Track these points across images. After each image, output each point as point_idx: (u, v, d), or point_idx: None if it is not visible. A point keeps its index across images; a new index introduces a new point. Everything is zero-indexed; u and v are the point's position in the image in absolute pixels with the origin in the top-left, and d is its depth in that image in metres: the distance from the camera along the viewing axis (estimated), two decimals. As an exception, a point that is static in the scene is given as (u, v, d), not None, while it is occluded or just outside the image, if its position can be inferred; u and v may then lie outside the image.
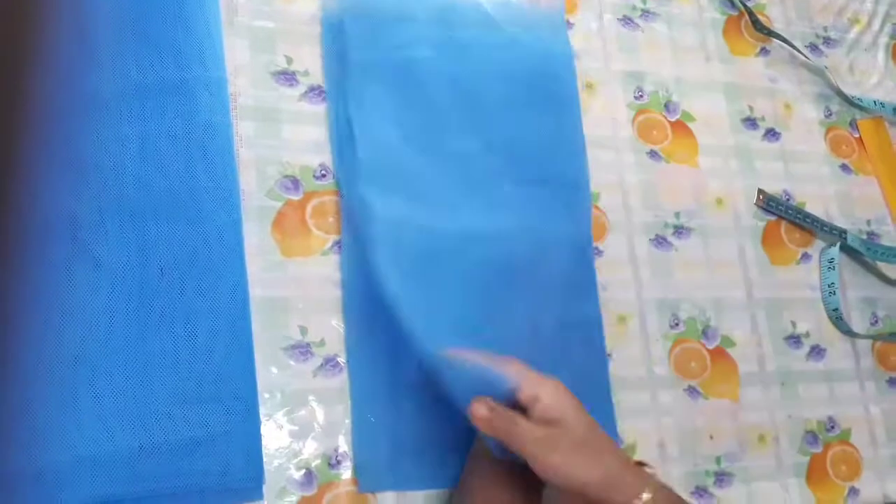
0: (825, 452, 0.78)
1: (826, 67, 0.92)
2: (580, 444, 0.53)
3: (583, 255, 0.75)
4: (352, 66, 0.71)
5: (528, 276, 0.71)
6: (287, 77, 0.71)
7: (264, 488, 0.60)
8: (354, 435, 0.64)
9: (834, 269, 0.84)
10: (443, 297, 0.66)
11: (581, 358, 0.72)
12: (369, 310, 0.66)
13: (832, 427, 0.79)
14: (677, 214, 0.81)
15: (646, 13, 0.88)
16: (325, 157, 0.70)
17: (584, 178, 0.77)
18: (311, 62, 0.72)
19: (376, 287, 0.62)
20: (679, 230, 0.80)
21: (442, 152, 0.72)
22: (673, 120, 0.84)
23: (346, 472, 0.63)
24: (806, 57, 0.92)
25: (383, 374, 0.66)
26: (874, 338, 0.84)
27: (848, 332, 0.83)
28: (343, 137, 0.70)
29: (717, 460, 0.74)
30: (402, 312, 0.61)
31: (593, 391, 0.72)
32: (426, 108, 0.73)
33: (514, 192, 0.73)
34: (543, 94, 0.78)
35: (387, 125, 0.71)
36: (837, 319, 0.83)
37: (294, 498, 0.61)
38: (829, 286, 0.84)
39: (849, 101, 0.93)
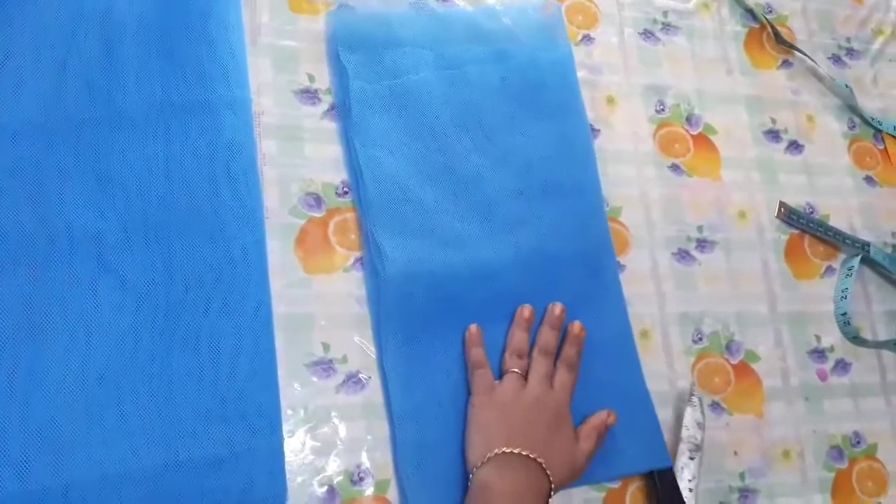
0: (851, 468, 0.78)
1: (847, 86, 0.91)
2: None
3: (601, 268, 0.75)
4: (351, 98, 0.71)
5: (545, 302, 0.71)
6: (309, 95, 0.72)
7: (288, 505, 0.61)
8: (398, 455, 0.64)
9: (851, 277, 0.83)
10: (458, 341, 0.68)
11: (614, 374, 0.72)
12: (402, 325, 0.67)
13: (858, 442, 0.79)
14: (700, 228, 0.80)
15: (666, 27, 0.87)
16: (346, 174, 0.71)
17: (594, 184, 0.77)
18: (330, 73, 0.73)
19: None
20: (702, 244, 0.80)
21: (450, 177, 0.72)
22: (695, 133, 0.84)
23: (369, 489, 0.63)
24: (831, 78, 0.91)
25: (424, 389, 0.66)
26: (881, 346, 0.83)
27: (855, 338, 0.82)
28: (355, 171, 0.70)
29: (741, 476, 0.73)
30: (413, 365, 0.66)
31: (633, 406, 0.71)
32: (429, 133, 0.73)
33: (526, 210, 0.73)
34: (545, 103, 0.78)
35: (392, 157, 0.71)
36: (845, 325, 0.82)
37: (317, 514, 0.62)
38: (842, 291, 0.83)
39: (868, 123, 0.92)
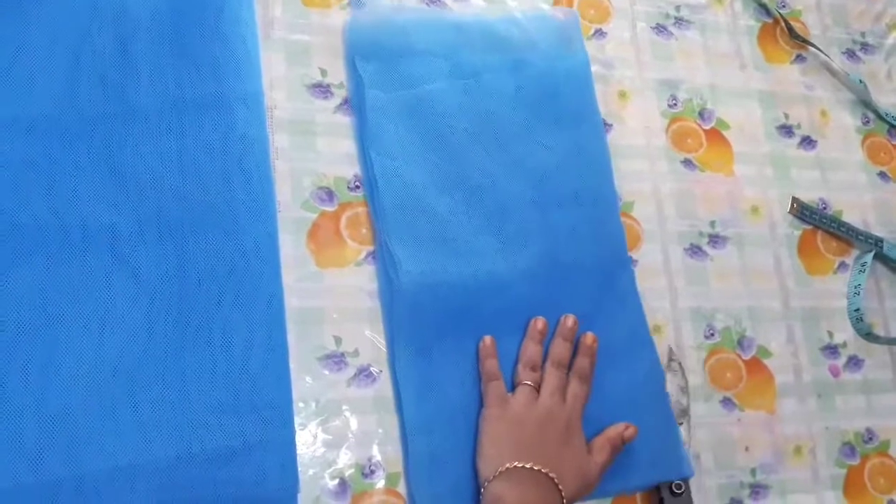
0: (863, 464, 0.77)
1: (861, 81, 0.90)
2: None
3: (617, 278, 0.74)
4: (367, 107, 0.71)
5: (559, 313, 0.71)
6: (322, 90, 0.72)
7: (299, 497, 0.61)
8: (410, 467, 0.64)
9: (864, 273, 0.83)
10: (471, 353, 0.68)
11: (631, 385, 0.71)
12: (416, 336, 0.66)
13: (870, 439, 0.78)
14: (712, 223, 0.80)
15: (679, 21, 0.87)
16: (358, 168, 0.71)
17: (610, 194, 0.76)
18: (345, 75, 0.73)
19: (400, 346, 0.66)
20: (714, 239, 0.80)
21: (464, 187, 0.72)
22: (707, 128, 0.84)
23: (380, 482, 0.64)
24: (845, 73, 0.91)
25: (436, 402, 0.66)
26: (894, 342, 0.82)
27: (868, 334, 0.81)
28: (370, 179, 0.70)
29: (753, 472, 0.73)
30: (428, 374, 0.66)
31: (652, 416, 0.71)
32: (444, 143, 0.72)
33: (540, 220, 0.73)
34: (560, 112, 0.77)
35: (407, 167, 0.70)
36: (858, 321, 0.82)
37: (328, 507, 0.62)
38: (855, 287, 0.83)
39: (882, 118, 0.92)
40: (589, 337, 0.70)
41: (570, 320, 0.70)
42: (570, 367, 0.69)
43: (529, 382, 0.67)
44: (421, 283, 0.67)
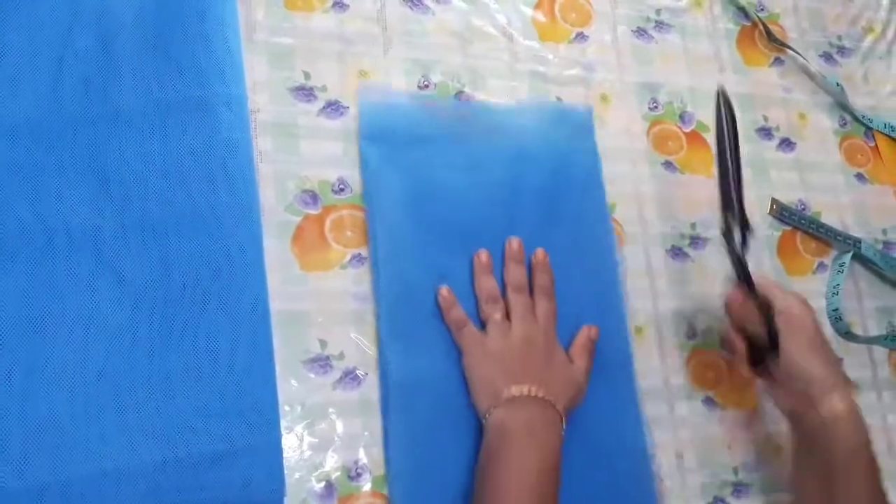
0: (843, 462, 0.78)
1: (838, 83, 0.92)
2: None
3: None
4: (372, 191, 0.70)
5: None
6: (305, 93, 0.72)
7: (286, 501, 0.61)
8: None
9: (842, 273, 0.84)
10: (469, 445, 0.66)
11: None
12: (410, 429, 0.65)
13: (850, 437, 0.79)
14: (693, 225, 0.81)
15: (659, 24, 0.88)
16: (343, 171, 0.71)
17: (616, 296, 0.75)
18: (328, 77, 0.73)
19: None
20: (695, 241, 0.81)
21: (466, 277, 0.70)
22: (688, 130, 0.85)
23: (366, 485, 0.64)
24: (822, 75, 0.92)
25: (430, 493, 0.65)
26: (873, 341, 0.84)
27: (847, 333, 0.83)
28: (376, 261, 0.68)
29: (735, 471, 0.74)
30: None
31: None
32: (446, 234, 0.71)
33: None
34: (567, 206, 0.75)
35: (410, 263, 0.69)
36: (836, 321, 0.83)
37: (315, 510, 0.62)
38: (834, 287, 0.84)
39: (858, 120, 0.93)
40: (539, 253, 0.71)
41: (514, 242, 0.71)
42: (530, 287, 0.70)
43: (497, 315, 0.68)
44: (409, 382, 0.66)
